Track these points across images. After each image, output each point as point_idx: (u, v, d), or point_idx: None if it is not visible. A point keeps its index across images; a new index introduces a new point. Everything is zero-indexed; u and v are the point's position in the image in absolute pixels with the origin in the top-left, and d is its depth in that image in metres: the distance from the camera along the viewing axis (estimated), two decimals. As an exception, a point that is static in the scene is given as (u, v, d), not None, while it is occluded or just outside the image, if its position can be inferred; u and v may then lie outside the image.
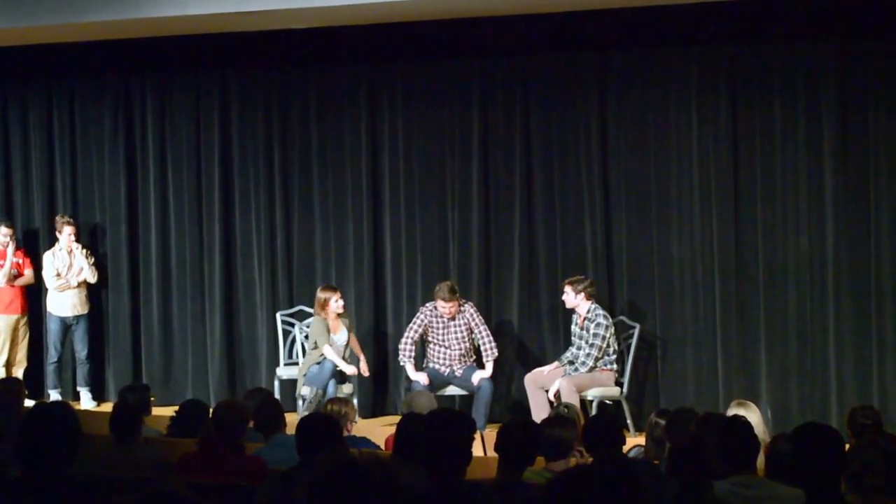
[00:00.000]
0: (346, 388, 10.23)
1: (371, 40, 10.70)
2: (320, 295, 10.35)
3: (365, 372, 10.42)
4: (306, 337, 10.93)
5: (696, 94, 10.25)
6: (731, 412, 6.80)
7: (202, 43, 10.92)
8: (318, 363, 10.13)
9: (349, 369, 10.19)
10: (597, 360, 9.82)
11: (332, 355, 10.16)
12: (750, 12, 9.70)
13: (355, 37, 10.57)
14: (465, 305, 10.28)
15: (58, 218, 11.48)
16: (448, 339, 10.24)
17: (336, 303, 10.28)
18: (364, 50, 10.95)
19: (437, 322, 10.25)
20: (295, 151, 11.37)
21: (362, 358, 10.45)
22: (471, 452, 4.82)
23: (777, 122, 10.06)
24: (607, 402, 10.01)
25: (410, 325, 10.39)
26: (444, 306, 10.14)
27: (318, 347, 10.24)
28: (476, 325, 10.24)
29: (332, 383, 10.04)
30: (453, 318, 10.21)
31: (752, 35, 10.04)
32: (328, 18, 9.80)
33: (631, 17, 9.88)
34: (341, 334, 10.37)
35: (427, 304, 10.35)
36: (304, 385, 10.16)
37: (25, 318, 11.60)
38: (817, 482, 4.67)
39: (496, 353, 10.26)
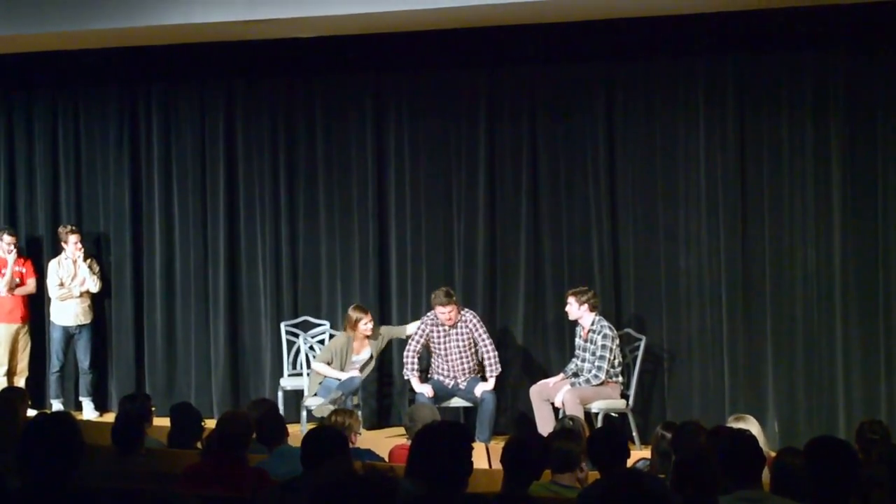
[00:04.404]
0: (353, 400, 10.24)
1: (377, 50, 10.69)
2: (351, 314, 10.36)
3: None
4: (311, 348, 10.91)
5: (703, 105, 10.22)
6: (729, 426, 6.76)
7: (207, 52, 10.93)
8: (341, 380, 10.16)
9: (343, 376, 10.20)
10: (607, 372, 9.79)
11: (327, 370, 10.29)
12: (757, 22, 9.67)
13: (361, 46, 10.56)
14: (467, 314, 10.23)
15: (61, 229, 11.47)
16: (448, 349, 10.20)
17: (366, 325, 10.30)
18: (370, 60, 10.94)
19: (438, 331, 10.22)
20: (300, 161, 11.35)
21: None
22: (471, 463, 4.78)
23: (784, 133, 10.03)
24: (613, 414, 9.96)
25: (412, 335, 10.36)
26: (442, 312, 10.09)
27: (332, 362, 10.28)
28: (480, 336, 10.19)
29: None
30: (454, 326, 10.17)
31: (759, 45, 10.02)
32: (334, 28, 9.79)
33: (638, 27, 9.85)
34: (363, 354, 10.41)
35: (428, 314, 10.32)
36: (312, 396, 10.20)
37: (26, 328, 11.58)
38: (827, 498, 4.63)
39: (499, 370, 10.20)
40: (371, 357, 10.44)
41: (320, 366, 10.36)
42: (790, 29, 9.78)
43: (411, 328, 10.49)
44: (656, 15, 9.49)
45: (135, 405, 7.46)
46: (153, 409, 7.79)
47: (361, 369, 10.34)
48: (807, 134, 9.96)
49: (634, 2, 9.10)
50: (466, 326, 10.19)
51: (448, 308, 10.08)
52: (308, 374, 10.58)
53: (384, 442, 8.73)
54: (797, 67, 9.99)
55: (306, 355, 10.89)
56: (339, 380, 10.16)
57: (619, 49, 10.35)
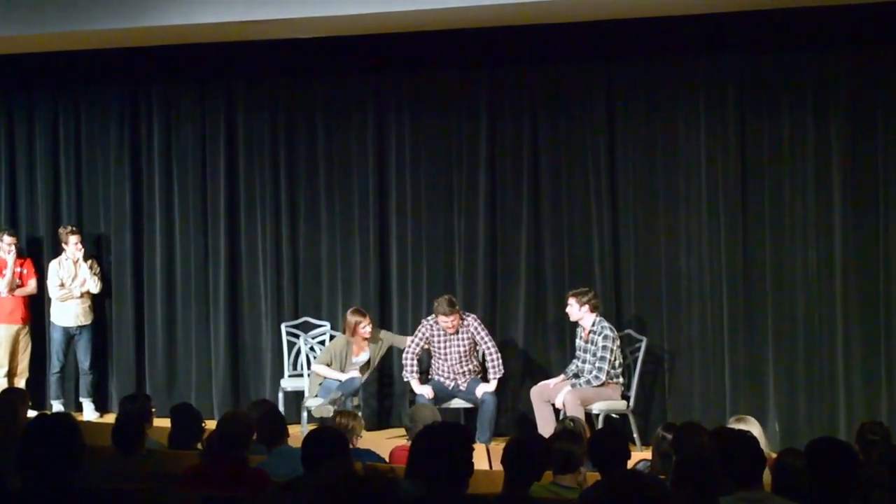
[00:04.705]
0: (354, 401, 10.22)
1: (378, 50, 10.69)
2: (350, 318, 10.35)
3: None
4: (311, 349, 10.90)
5: (703, 104, 10.21)
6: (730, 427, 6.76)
7: (208, 52, 10.93)
8: (341, 381, 10.15)
9: (343, 377, 10.19)
10: (608, 373, 9.77)
11: (327, 372, 10.29)
12: (758, 22, 9.66)
13: (362, 46, 10.55)
14: (468, 318, 10.22)
15: (61, 229, 11.47)
16: (449, 353, 10.19)
17: (364, 328, 10.29)
18: (371, 60, 10.93)
19: (439, 335, 10.20)
20: (301, 161, 11.34)
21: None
22: (471, 464, 4.78)
23: (785, 133, 10.02)
24: (614, 415, 9.96)
25: (412, 339, 10.35)
26: (445, 321, 10.09)
27: (331, 364, 10.28)
28: (482, 338, 10.18)
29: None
30: (456, 332, 10.16)
31: (760, 45, 10.01)
32: (335, 28, 9.79)
33: (639, 27, 9.84)
34: (362, 356, 10.42)
35: (428, 318, 10.30)
36: (313, 397, 10.19)
37: (27, 329, 11.57)
38: (827, 499, 4.62)
39: (503, 372, 10.20)
40: (370, 359, 10.44)
41: (320, 367, 10.36)
42: (791, 30, 9.77)
43: (407, 340, 10.48)
44: (657, 15, 9.48)
45: (135, 406, 7.46)
46: (153, 409, 7.80)
47: (361, 370, 10.34)
48: (807, 134, 9.95)
49: (635, 2, 9.09)
50: (468, 331, 10.18)
51: (451, 318, 10.07)
52: (308, 375, 10.57)
53: (384, 443, 8.72)
54: (798, 68, 9.98)
55: (307, 356, 10.87)
56: (340, 381, 10.15)
57: (619, 49, 10.34)
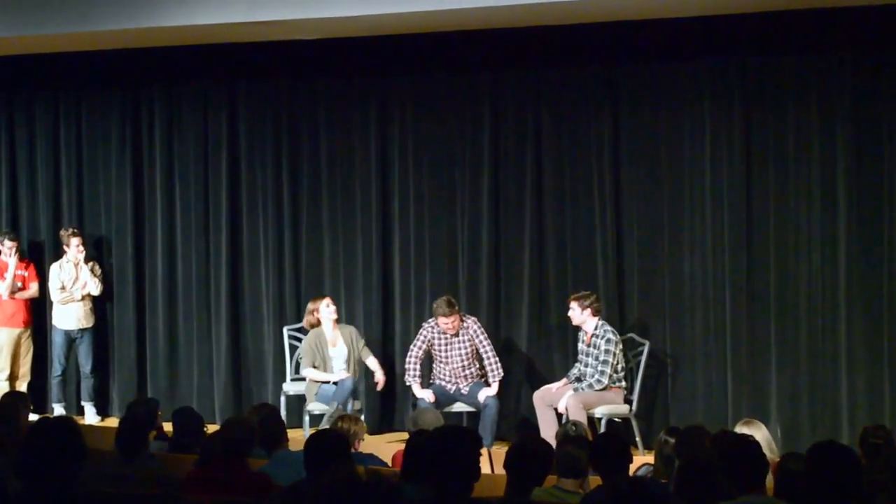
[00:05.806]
0: (356, 405, 10.19)
1: (381, 52, 10.69)
2: (309, 306, 10.39)
3: (380, 382, 10.43)
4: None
5: (708, 109, 10.20)
6: (737, 431, 6.76)
7: (210, 54, 10.94)
8: (335, 382, 10.10)
9: (334, 378, 10.17)
10: (610, 377, 9.76)
11: (318, 375, 10.25)
12: (763, 26, 9.66)
13: (365, 49, 10.56)
14: (468, 321, 10.20)
15: (62, 231, 11.46)
16: (451, 356, 10.18)
17: (327, 308, 10.24)
18: (374, 62, 10.93)
19: (440, 338, 10.19)
20: (303, 164, 11.34)
21: (378, 372, 10.41)
22: (479, 469, 4.79)
23: (790, 138, 10.00)
24: (616, 419, 9.95)
25: (413, 342, 10.34)
26: (445, 322, 10.06)
27: (316, 363, 10.24)
28: (480, 342, 10.16)
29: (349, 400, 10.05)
30: (456, 335, 10.14)
31: (766, 49, 10.00)
32: (338, 30, 9.80)
33: (643, 30, 9.85)
34: (339, 348, 10.33)
35: (429, 321, 10.29)
36: (314, 402, 10.16)
37: (29, 332, 11.56)
38: (830, 503, 4.62)
39: (501, 374, 10.19)
40: (348, 356, 10.35)
41: (309, 371, 10.28)
42: (796, 33, 9.76)
43: (372, 363, 10.41)
44: (661, 18, 9.48)
45: (139, 409, 7.47)
46: (160, 413, 7.82)
47: (348, 366, 10.28)
48: (812, 138, 9.93)
49: (639, 4, 9.08)
50: (468, 333, 10.16)
51: (451, 319, 10.05)
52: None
53: (386, 447, 8.72)
54: (803, 72, 9.97)
55: (310, 360, 10.86)
56: (333, 383, 10.11)
57: (624, 52, 10.34)
